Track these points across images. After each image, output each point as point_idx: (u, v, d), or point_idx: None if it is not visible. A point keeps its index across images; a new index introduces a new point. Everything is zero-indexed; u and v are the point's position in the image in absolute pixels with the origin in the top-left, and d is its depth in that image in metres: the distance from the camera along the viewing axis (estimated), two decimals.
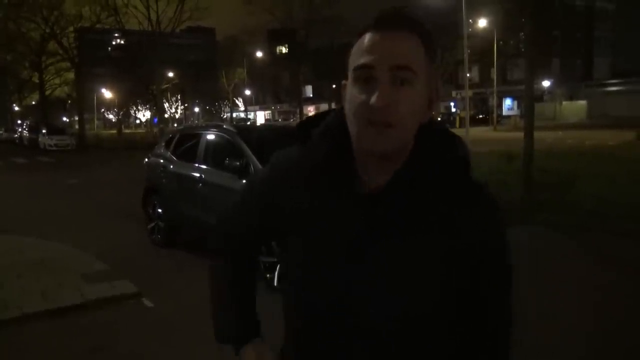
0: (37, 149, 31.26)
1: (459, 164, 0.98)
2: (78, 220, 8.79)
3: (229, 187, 5.41)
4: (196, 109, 77.82)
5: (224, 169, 5.58)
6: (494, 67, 39.07)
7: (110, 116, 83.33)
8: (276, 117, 67.49)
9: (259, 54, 53.74)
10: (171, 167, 6.76)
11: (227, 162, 5.47)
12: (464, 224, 0.94)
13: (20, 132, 40.02)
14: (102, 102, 72.42)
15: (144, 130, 64.78)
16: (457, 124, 41.30)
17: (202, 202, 6.01)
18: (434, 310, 0.95)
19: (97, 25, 36.03)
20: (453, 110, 52.13)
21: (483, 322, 1.00)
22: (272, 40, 58.88)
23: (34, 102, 67.16)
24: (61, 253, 6.16)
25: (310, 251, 0.99)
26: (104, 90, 59.58)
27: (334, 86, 47.38)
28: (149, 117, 71.05)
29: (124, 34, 39.44)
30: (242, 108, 67.80)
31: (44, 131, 32.18)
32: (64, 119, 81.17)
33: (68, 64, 37.86)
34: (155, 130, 42.95)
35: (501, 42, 40.95)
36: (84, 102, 43.24)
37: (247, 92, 62.37)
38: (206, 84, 61.47)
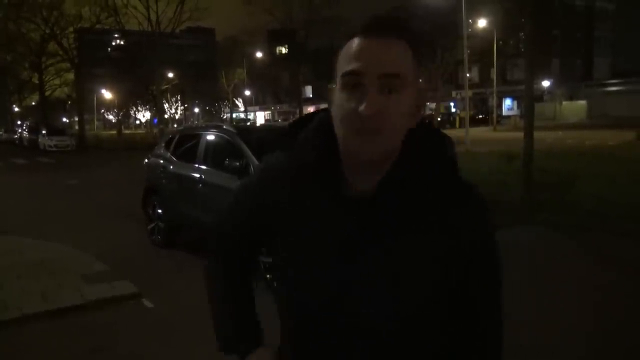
0: (37, 149, 31.26)
1: (447, 165, 0.99)
2: (78, 220, 8.78)
3: (228, 188, 5.40)
4: (196, 110, 77.81)
5: (223, 170, 5.57)
6: (493, 67, 39.06)
7: (110, 117, 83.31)
8: (276, 118, 67.44)
9: (259, 55, 53.75)
10: (171, 167, 6.76)
11: (227, 163, 5.47)
12: (454, 224, 0.95)
13: (20, 132, 40.05)
14: (102, 103, 72.44)
15: (143, 131, 64.83)
16: (457, 124, 41.33)
17: (202, 202, 6.01)
18: (426, 310, 0.96)
19: (97, 26, 36.07)
20: (453, 110, 52.14)
21: (473, 322, 1.00)
22: (271, 40, 58.87)
23: (33, 103, 67.18)
24: (61, 254, 6.16)
25: (302, 251, 0.99)
26: (103, 91, 59.62)
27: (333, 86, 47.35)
28: (148, 117, 71.10)
29: (124, 34, 39.51)
30: (242, 108, 67.79)
31: (43, 132, 32.20)
32: (64, 119, 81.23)
33: (68, 65, 37.91)
34: (155, 130, 42.99)
35: (501, 42, 40.92)
36: (83, 103, 43.26)
37: (247, 93, 62.37)
38: (206, 84, 61.46)
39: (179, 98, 69.29)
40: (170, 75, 49.58)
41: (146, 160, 7.55)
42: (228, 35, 60.76)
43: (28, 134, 36.10)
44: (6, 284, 5.02)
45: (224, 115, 69.70)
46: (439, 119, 45.94)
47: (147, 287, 5.01)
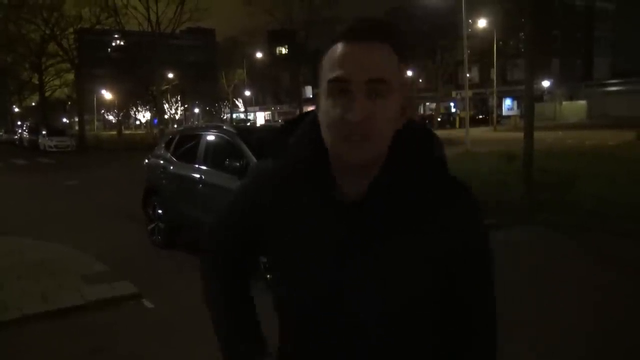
0: (37, 150, 31.29)
1: (435, 165, 0.99)
2: (78, 221, 8.78)
3: (229, 188, 5.39)
4: (196, 110, 77.80)
5: (223, 170, 5.57)
6: (493, 67, 39.07)
7: (110, 117, 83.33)
8: (276, 118, 67.46)
9: (259, 55, 53.79)
10: (171, 168, 6.76)
11: (227, 163, 5.47)
12: (443, 225, 0.95)
13: (20, 133, 40.09)
14: (102, 103, 72.45)
15: (143, 131, 64.79)
16: (457, 124, 41.35)
17: (202, 203, 6.01)
18: (418, 310, 0.97)
19: (97, 27, 36.09)
20: (453, 110, 52.15)
21: (466, 321, 1.00)
22: (272, 41, 58.91)
23: (34, 104, 67.24)
24: (61, 254, 6.16)
25: (296, 252, 1.00)
26: (103, 92, 59.65)
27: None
28: (148, 118, 71.11)
29: (124, 35, 39.50)
30: (242, 109, 67.84)
31: (43, 132, 32.25)
32: (64, 120, 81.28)
33: (68, 65, 37.96)
34: (155, 131, 42.97)
35: (501, 43, 40.96)
36: (83, 104, 43.25)
37: (247, 93, 62.41)
38: (206, 84, 61.46)
39: (179, 98, 69.30)
40: (171, 75, 49.62)
41: (146, 161, 7.55)
42: (228, 35, 60.95)
43: (28, 134, 36.14)
44: (6, 285, 5.03)
45: (224, 116, 69.72)
46: (439, 119, 46.00)
47: (147, 288, 5.01)
